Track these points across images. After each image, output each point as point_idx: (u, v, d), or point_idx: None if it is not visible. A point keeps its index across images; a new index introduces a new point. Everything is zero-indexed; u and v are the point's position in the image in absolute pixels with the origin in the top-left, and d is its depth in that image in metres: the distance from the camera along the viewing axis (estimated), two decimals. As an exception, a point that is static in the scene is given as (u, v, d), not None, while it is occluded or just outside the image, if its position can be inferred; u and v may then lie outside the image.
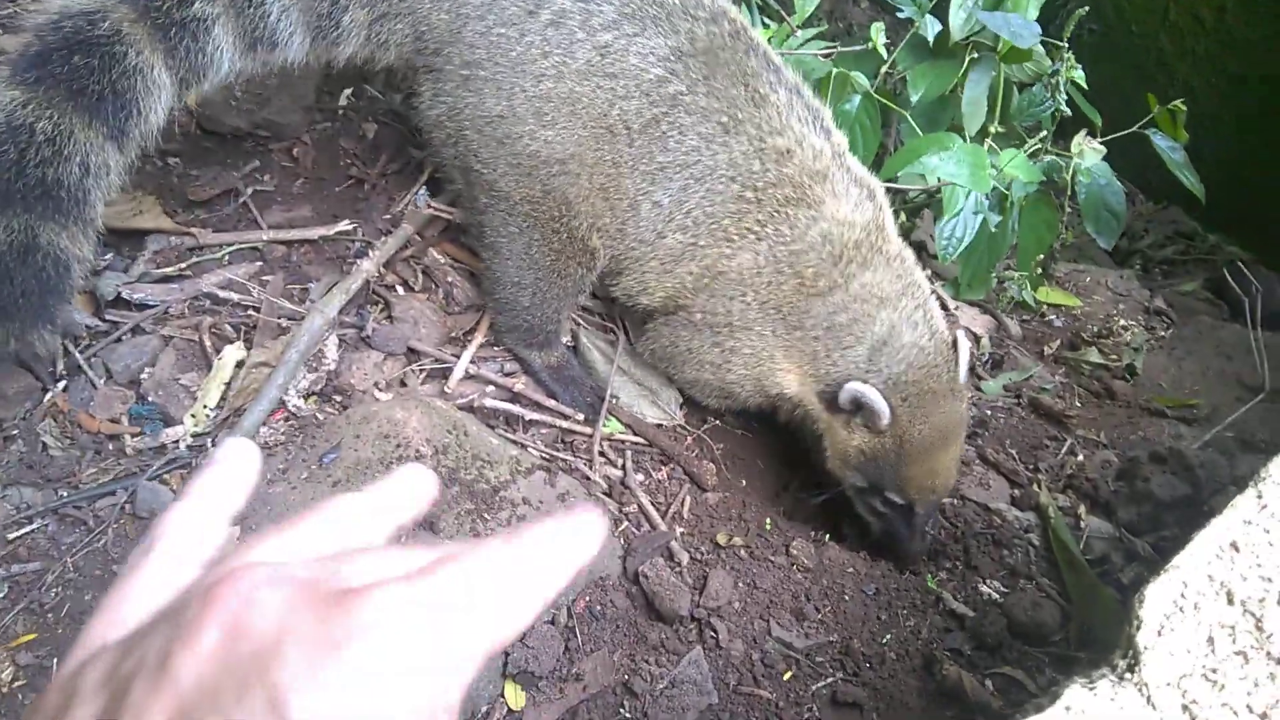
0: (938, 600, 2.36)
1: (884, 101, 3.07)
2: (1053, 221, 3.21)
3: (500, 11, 2.26)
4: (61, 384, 2.36)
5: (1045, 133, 3.17)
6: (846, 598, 2.35)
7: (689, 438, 2.68)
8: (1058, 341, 3.43)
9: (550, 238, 2.41)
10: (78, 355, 2.39)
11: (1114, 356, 3.35)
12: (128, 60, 2.10)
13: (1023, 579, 2.39)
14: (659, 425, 2.67)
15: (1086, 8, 3.11)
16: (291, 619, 0.57)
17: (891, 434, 2.29)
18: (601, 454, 2.55)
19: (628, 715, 2.09)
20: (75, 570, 2.07)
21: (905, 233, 3.15)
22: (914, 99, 3.05)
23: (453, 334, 2.69)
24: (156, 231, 2.69)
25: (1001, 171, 2.98)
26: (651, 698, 2.11)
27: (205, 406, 2.32)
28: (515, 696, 2.12)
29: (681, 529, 2.44)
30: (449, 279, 2.78)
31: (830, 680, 2.18)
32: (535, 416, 2.58)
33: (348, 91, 3.21)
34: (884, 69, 3.13)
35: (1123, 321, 3.57)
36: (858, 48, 3.24)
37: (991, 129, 3.14)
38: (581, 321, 2.84)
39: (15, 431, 2.27)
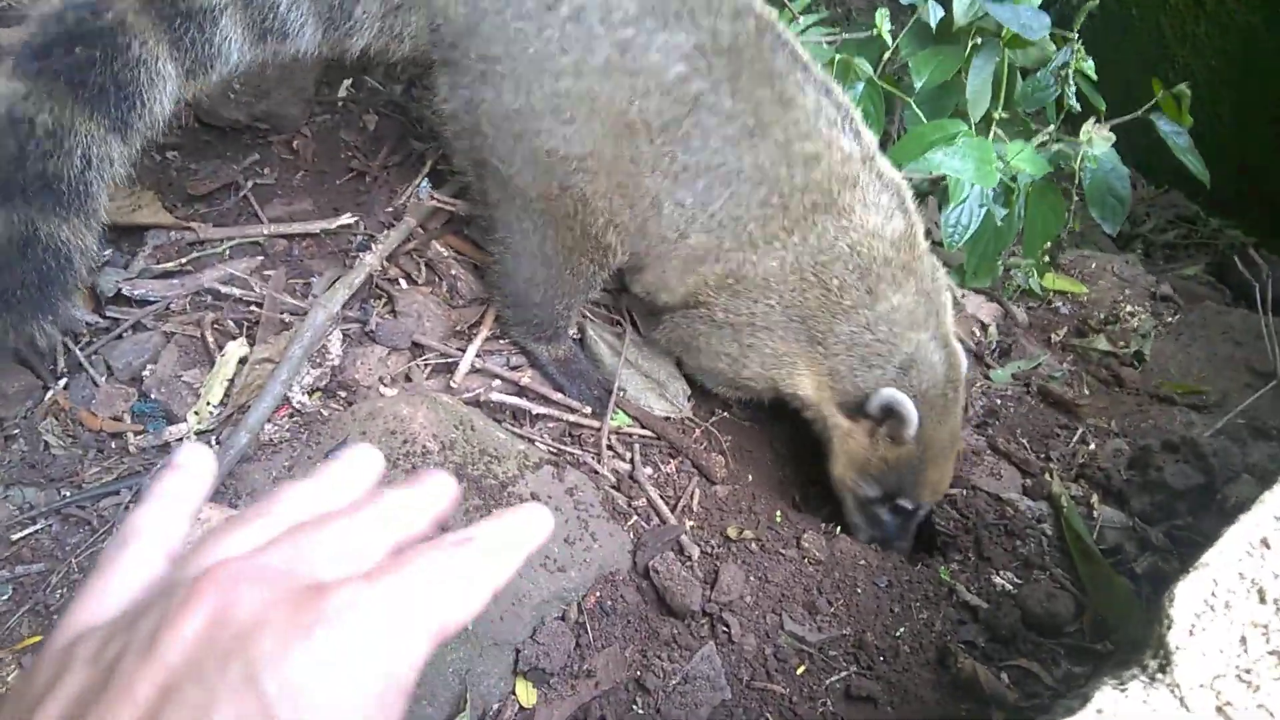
0: (951, 592, 2.34)
1: (887, 88, 3.04)
2: (1059, 209, 3.18)
3: (518, 5, 2.20)
4: (63, 382, 2.33)
5: (1053, 125, 3.14)
6: (859, 590, 2.33)
7: (697, 430, 2.66)
8: (1065, 329, 3.41)
9: (565, 234, 2.38)
10: (78, 353, 2.36)
11: (1122, 343, 3.33)
12: (131, 52, 2.06)
13: (1036, 570, 2.37)
14: (667, 418, 2.64)
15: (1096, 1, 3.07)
16: (268, 609, 0.67)
17: (917, 443, 2.33)
18: (609, 447, 2.53)
19: (641, 712, 2.08)
20: (80, 571, 2.05)
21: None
22: (917, 86, 3.02)
23: (457, 328, 2.66)
24: (156, 227, 2.65)
25: (1008, 164, 2.95)
26: (664, 694, 2.09)
27: (208, 404, 2.30)
28: (527, 694, 2.10)
29: (691, 522, 2.42)
30: (453, 272, 2.75)
31: (844, 674, 2.16)
32: (542, 410, 2.55)
33: (347, 83, 3.18)
34: (887, 55, 3.10)
35: (1129, 308, 3.55)
36: (861, 34, 3.21)
37: (996, 115, 3.10)
38: (588, 314, 2.81)
39: (16, 431, 2.25)
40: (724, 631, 2.20)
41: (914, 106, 3.01)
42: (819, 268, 2.28)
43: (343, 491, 0.86)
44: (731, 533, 2.41)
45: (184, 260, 2.60)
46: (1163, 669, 1.27)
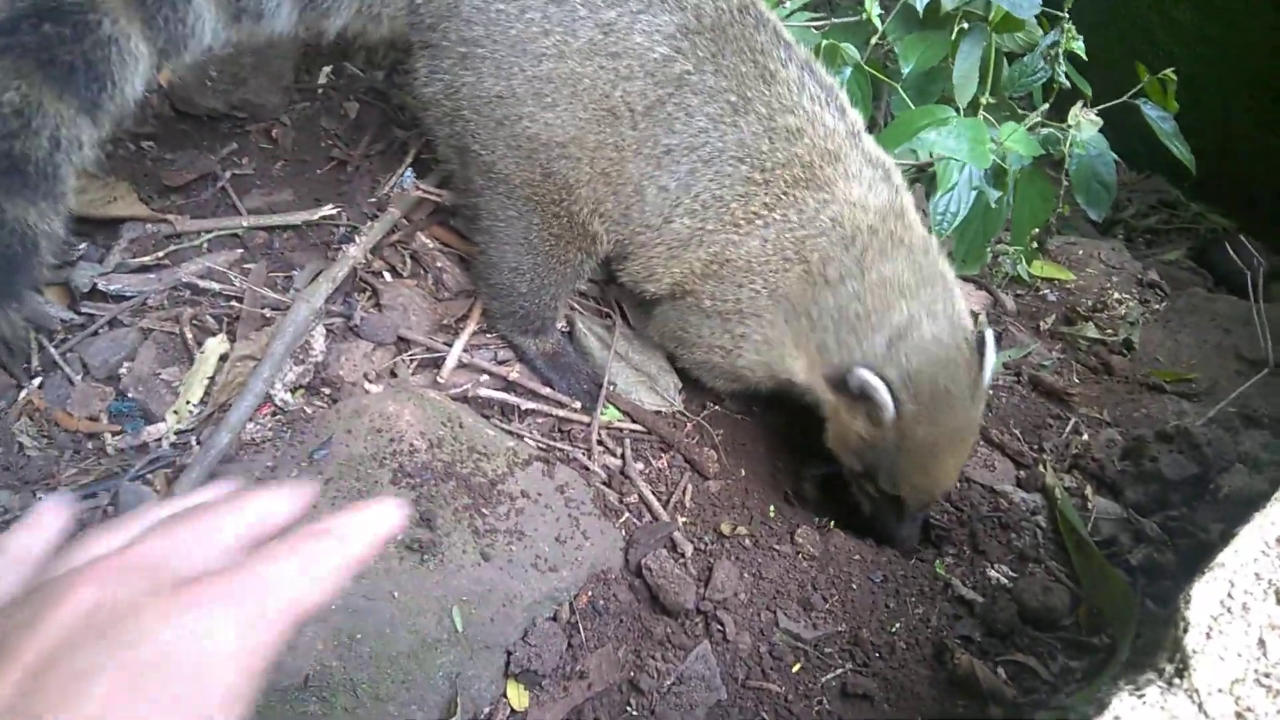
0: (946, 586, 2.32)
1: (874, 73, 3.00)
2: (1049, 194, 3.17)
3: None
4: (36, 381, 2.26)
5: (1044, 105, 3.12)
6: (854, 586, 2.30)
7: (689, 424, 2.62)
8: (1053, 316, 3.40)
9: (550, 222, 2.33)
10: (53, 350, 2.30)
11: (1110, 331, 3.32)
12: (102, 29, 1.99)
13: (1031, 563, 2.35)
14: (658, 412, 2.60)
15: (1088, -24, 3.04)
16: (141, 597, 0.77)
17: (894, 429, 2.18)
18: (600, 443, 2.49)
19: (634, 713, 2.05)
20: (58, 577, 1.98)
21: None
22: (904, 71, 2.98)
23: (444, 321, 2.60)
24: (131, 219, 2.58)
25: (1001, 145, 2.93)
26: (659, 694, 2.06)
27: (188, 402, 2.23)
28: (518, 696, 2.06)
29: (684, 519, 2.39)
30: (438, 264, 2.70)
31: (840, 671, 2.13)
32: (531, 405, 2.51)
33: (327, 69, 3.10)
34: (874, 40, 3.06)
35: (1117, 295, 3.54)
36: (849, 19, 3.17)
37: (983, 100, 3.08)
38: (577, 306, 2.76)
39: (-10, 432, 2.18)
40: (718, 630, 2.17)
41: (901, 92, 2.98)
42: (799, 243, 2.22)
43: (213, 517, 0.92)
44: (725, 529, 2.37)
45: (161, 254, 2.53)
46: (1180, 674, 1.24)
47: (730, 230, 2.25)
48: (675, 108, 2.18)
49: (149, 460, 2.14)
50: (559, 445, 2.45)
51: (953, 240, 3.12)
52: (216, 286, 2.47)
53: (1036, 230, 3.34)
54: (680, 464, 2.52)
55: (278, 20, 2.25)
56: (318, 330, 2.41)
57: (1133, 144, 3.44)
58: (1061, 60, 3.06)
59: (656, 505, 2.39)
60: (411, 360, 2.49)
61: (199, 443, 2.17)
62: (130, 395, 2.25)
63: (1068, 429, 2.76)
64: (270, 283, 2.53)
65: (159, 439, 2.18)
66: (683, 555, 2.29)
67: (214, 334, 2.37)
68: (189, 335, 2.35)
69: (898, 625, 2.23)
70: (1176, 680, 1.23)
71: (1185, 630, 1.27)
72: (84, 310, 2.39)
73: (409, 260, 2.68)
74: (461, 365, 2.52)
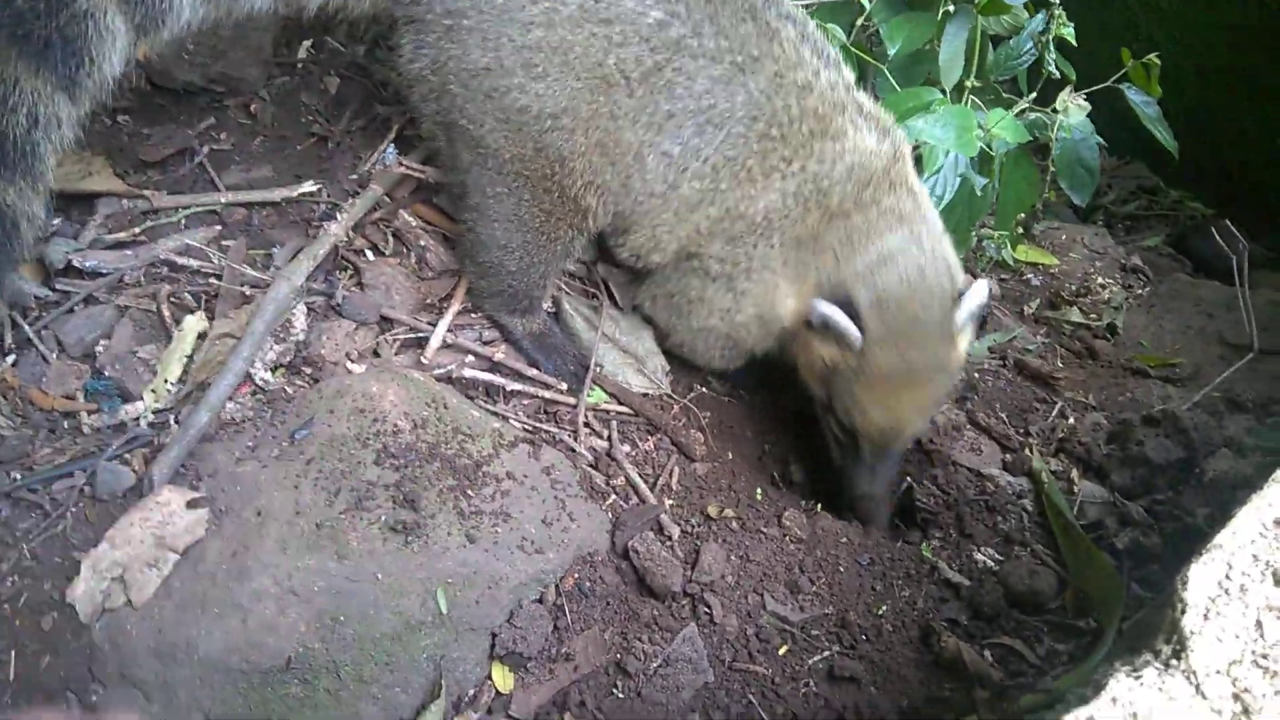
0: (933, 569, 2.32)
1: (860, 55, 2.98)
2: (1034, 179, 3.16)
3: None
4: (11, 359, 2.20)
5: (1033, 93, 3.10)
6: (841, 569, 2.29)
7: (676, 407, 2.60)
8: (1037, 301, 3.40)
9: (541, 197, 2.29)
10: (27, 327, 2.24)
11: (1094, 315, 3.33)
12: (77, 4, 1.94)
13: (1017, 546, 2.35)
14: (645, 394, 2.58)
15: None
16: None
17: (859, 354, 2.17)
18: (586, 425, 2.46)
19: (621, 696, 2.03)
20: (33, 558, 1.94)
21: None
22: (890, 53, 2.96)
23: (427, 301, 2.56)
24: (108, 194, 2.52)
25: (988, 132, 2.91)
26: (645, 677, 2.05)
27: (166, 381, 2.19)
28: (503, 678, 2.05)
29: (671, 501, 2.37)
30: (422, 243, 2.65)
31: (827, 654, 2.13)
32: (517, 387, 2.48)
33: (307, 43, 3.04)
34: (860, 21, 3.03)
35: (1100, 280, 3.55)
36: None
37: (968, 84, 3.06)
38: (564, 286, 2.73)
39: (-39, 410, 2.13)
40: (705, 612, 2.16)
41: (887, 73, 2.96)
42: (820, 194, 2.23)
43: None
44: (712, 511, 2.36)
45: (137, 230, 2.47)
46: (1177, 655, 1.24)
47: (746, 186, 2.24)
48: (674, 72, 2.15)
49: (126, 439, 2.09)
50: (545, 427, 2.43)
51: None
52: (195, 264, 2.42)
53: (1021, 215, 3.33)
54: (667, 446, 2.50)
55: None
56: (299, 309, 2.36)
57: (1112, 130, 3.44)
58: (1050, 47, 3.05)
59: (643, 487, 2.37)
60: (395, 340, 2.45)
61: (177, 422, 2.12)
62: (107, 373, 2.20)
63: (1053, 413, 2.76)
64: (250, 260, 2.48)
65: (136, 418, 2.13)
66: (669, 538, 2.27)
67: (192, 311, 2.32)
68: (167, 313, 2.30)
69: (884, 608, 2.23)
70: (1174, 661, 1.23)
71: (1183, 612, 1.27)
72: (59, 287, 2.33)
73: (392, 238, 2.64)
74: (446, 345, 2.48)
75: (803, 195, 2.24)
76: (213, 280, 2.40)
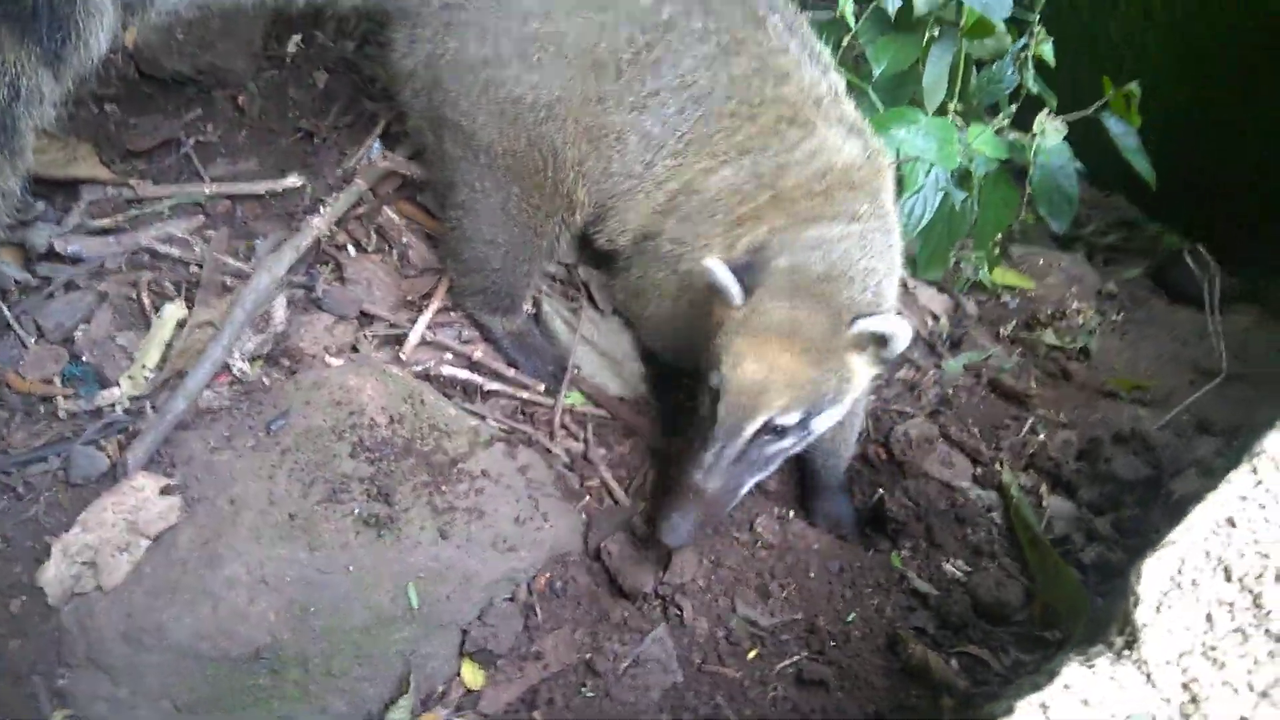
0: (902, 579, 2.34)
1: (845, 75, 3.02)
2: (1012, 200, 3.20)
3: None
4: (-13, 341, 2.20)
5: (1011, 108, 3.15)
6: (811, 575, 2.31)
7: (652, 411, 2.61)
8: (1013, 322, 3.44)
9: (531, 192, 2.31)
10: (6, 311, 2.24)
11: (1069, 338, 3.37)
12: None
13: (986, 558, 2.38)
14: (622, 398, 2.59)
15: (1058, -16, 3.08)
16: None
17: (746, 306, 1.99)
18: (563, 426, 2.48)
19: (590, 694, 2.04)
20: (4, 541, 1.93)
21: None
22: (876, 73, 3.01)
23: (408, 298, 2.57)
24: (92, 181, 2.52)
25: (968, 147, 2.96)
26: (614, 676, 2.06)
27: (144, 367, 2.19)
28: (473, 675, 2.05)
29: (645, 504, 2.38)
30: (404, 240, 2.66)
31: (795, 659, 2.14)
32: (495, 386, 2.49)
33: (297, 38, 3.04)
34: (846, 40, 3.08)
35: (1076, 304, 3.59)
36: (822, 15, 3.19)
37: (951, 106, 3.11)
38: (545, 288, 2.74)
39: (-64, 392, 2.12)
40: (676, 614, 2.17)
41: (871, 94, 3.00)
42: (776, 171, 2.19)
43: None
44: (685, 515, 2.37)
45: (120, 218, 2.48)
46: (1129, 645, 1.27)
47: (707, 160, 2.23)
48: (663, 50, 2.18)
49: (102, 425, 2.09)
50: (522, 427, 2.44)
51: (916, 244, 3.15)
52: (176, 252, 2.42)
53: (999, 236, 3.37)
54: (643, 450, 2.51)
55: None
56: (279, 300, 2.37)
57: (1096, 162, 3.49)
58: (1029, 64, 3.10)
59: (618, 490, 2.38)
60: (374, 335, 2.45)
61: (154, 409, 2.13)
62: (85, 359, 2.20)
63: (1025, 429, 2.79)
64: (232, 251, 2.48)
65: (113, 404, 2.13)
66: (642, 541, 2.28)
67: (172, 300, 2.32)
68: (147, 300, 2.31)
69: (853, 615, 2.25)
70: (1126, 652, 1.26)
71: (1136, 604, 1.30)
72: (40, 272, 2.33)
73: (374, 234, 2.65)
74: (425, 343, 2.49)
75: (757, 175, 2.20)
76: (194, 269, 2.40)
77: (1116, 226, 4.69)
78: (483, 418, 2.40)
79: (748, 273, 2.00)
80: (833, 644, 2.19)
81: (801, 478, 2.57)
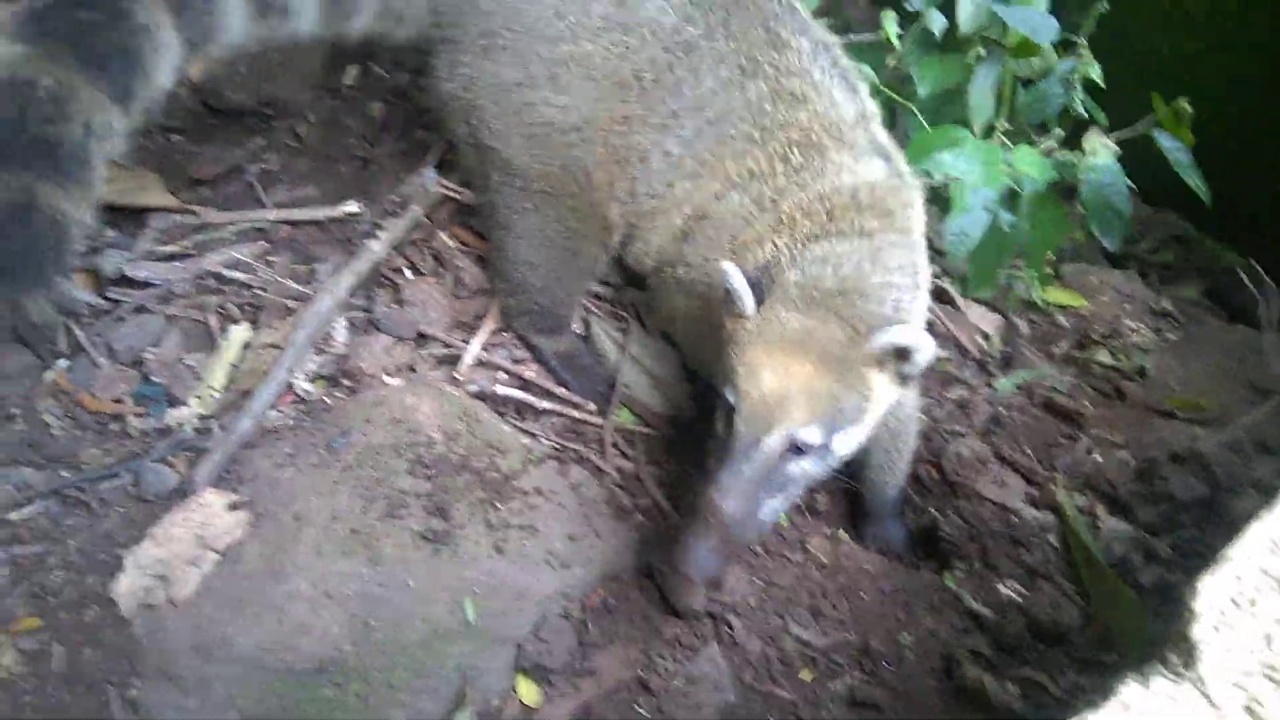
0: (956, 600, 2.33)
1: (890, 95, 3.04)
2: (1061, 220, 3.18)
3: None
4: (63, 363, 2.29)
5: (1060, 131, 3.14)
6: (864, 596, 2.31)
7: (701, 429, 2.63)
8: (1066, 341, 3.41)
9: (566, 215, 2.36)
10: (79, 333, 2.33)
11: (1123, 357, 3.34)
12: (135, 17, 2.02)
13: (1041, 579, 2.36)
14: (671, 417, 2.62)
15: (1106, 4, 3.07)
16: None
17: (759, 317, 1.94)
18: (613, 445, 2.50)
19: (644, 711, 2.06)
20: (79, 554, 2.01)
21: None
22: (921, 93, 3.02)
23: (462, 319, 2.63)
24: (160, 209, 2.62)
25: (1014, 168, 2.95)
26: (667, 694, 2.07)
27: (211, 388, 2.26)
28: (528, 691, 2.08)
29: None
30: (458, 263, 2.73)
31: (848, 679, 2.14)
32: (546, 405, 2.53)
33: (354, 70, 3.15)
34: (890, 62, 3.09)
35: (1130, 322, 3.55)
36: (867, 36, 3.21)
37: (998, 125, 3.11)
38: (593, 309, 2.78)
39: (16, 410, 2.21)
40: (728, 633, 2.18)
41: (916, 113, 3.01)
42: (777, 194, 2.14)
43: None
44: (736, 534, 2.38)
45: (187, 243, 2.57)
46: (1187, 664, 1.26)
47: (719, 183, 2.21)
48: (684, 71, 2.20)
49: (172, 443, 2.16)
50: (573, 445, 2.47)
51: (966, 263, 3.15)
52: (241, 277, 2.51)
53: (1050, 256, 3.35)
54: (692, 468, 2.53)
55: (303, 18, 2.29)
56: (340, 322, 2.44)
57: (1147, 178, 3.46)
58: (1078, 86, 3.09)
59: (668, 508, 2.40)
60: (430, 356, 2.51)
61: (221, 427, 2.20)
62: (155, 379, 2.27)
63: (1080, 449, 2.77)
64: (294, 275, 2.56)
65: (182, 423, 2.20)
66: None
67: (238, 322, 2.40)
68: (214, 323, 2.39)
69: (907, 636, 2.24)
70: (1184, 671, 1.25)
71: (1193, 622, 1.29)
72: (111, 296, 2.42)
73: (430, 258, 2.72)
74: (479, 363, 2.54)
75: (760, 199, 2.16)
76: (258, 293, 2.48)
77: (1170, 243, 4.63)
78: (535, 436, 2.44)
79: (757, 288, 1.96)
80: (886, 665, 2.19)
81: (853, 499, 2.57)
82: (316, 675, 1.90)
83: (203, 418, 2.22)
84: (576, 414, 2.54)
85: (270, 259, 2.59)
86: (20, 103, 1.93)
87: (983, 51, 3.04)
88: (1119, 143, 3.05)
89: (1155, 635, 1.42)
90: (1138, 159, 3.15)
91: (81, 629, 1.93)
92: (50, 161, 1.97)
